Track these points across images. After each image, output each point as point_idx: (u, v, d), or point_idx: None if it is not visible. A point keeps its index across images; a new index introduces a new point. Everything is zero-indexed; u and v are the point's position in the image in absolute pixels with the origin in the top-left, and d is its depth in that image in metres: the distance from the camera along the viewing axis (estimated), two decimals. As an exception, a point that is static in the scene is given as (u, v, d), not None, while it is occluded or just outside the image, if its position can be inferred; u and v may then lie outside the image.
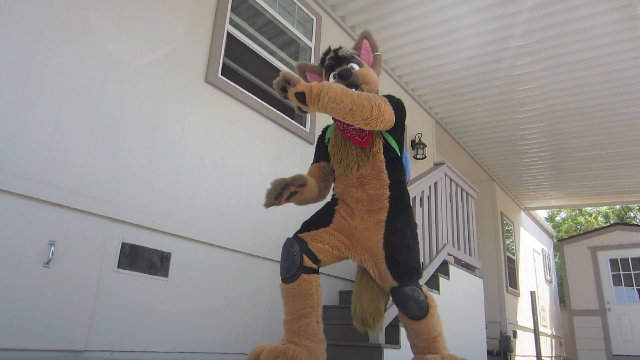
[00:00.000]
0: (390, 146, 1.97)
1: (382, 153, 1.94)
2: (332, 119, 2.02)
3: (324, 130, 2.20)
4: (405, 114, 1.97)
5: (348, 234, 1.93)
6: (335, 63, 1.99)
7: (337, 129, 2.03)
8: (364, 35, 2.15)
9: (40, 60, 2.51)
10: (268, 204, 1.80)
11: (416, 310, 1.79)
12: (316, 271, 1.88)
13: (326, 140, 2.12)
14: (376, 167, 1.92)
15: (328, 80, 2.03)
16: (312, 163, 2.16)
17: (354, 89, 1.84)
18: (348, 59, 1.99)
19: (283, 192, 1.79)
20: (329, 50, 2.07)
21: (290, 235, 1.95)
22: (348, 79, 1.85)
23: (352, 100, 1.67)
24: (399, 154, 2.00)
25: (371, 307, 1.86)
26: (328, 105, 1.63)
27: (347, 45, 2.21)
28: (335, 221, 1.93)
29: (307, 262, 1.82)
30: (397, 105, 1.92)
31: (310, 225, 1.94)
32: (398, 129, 1.96)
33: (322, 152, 2.14)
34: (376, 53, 2.13)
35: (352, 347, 3.04)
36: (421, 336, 1.84)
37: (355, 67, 1.98)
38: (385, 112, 1.78)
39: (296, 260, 1.79)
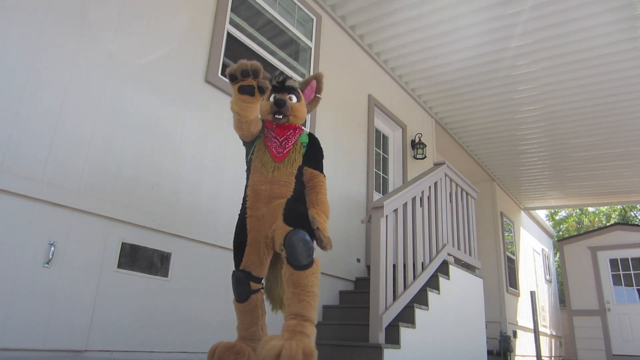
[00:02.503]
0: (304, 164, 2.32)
1: (295, 168, 2.26)
2: (263, 121, 2.34)
3: (263, 122, 2.39)
4: (321, 148, 2.40)
5: (259, 228, 2.21)
6: (280, 88, 2.32)
7: (262, 130, 2.32)
8: (315, 77, 2.50)
9: (40, 61, 2.52)
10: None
11: (304, 253, 1.97)
12: (260, 289, 2.27)
13: (260, 134, 2.37)
14: (290, 176, 2.24)
15: (269, 96, 2.34)
16: None
17: (282, 117, 2.27)
18: (290, 90, 2.33)
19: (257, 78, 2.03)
20: (280, 74, 2.36)
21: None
22: (281, 108, 2.24)
23: (327, 211, 2.24)
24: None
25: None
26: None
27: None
28: (249, 230, 2.23)
29: (254, 285, 2.22)
30: (320, 150, 2.39)
31: (240, 250, 2.24)
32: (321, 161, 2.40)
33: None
34: (317, 95, 2.50)
35: (352, 347, 3.05)
36: (297, 289, 1.96)
37: (294, 98, 2.34)
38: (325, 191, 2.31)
39: (246, 289, 2.19)
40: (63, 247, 2.45)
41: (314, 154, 2.36)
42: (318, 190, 2.27)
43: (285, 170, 2.23)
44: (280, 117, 2.28)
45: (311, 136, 2.42)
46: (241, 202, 2.35)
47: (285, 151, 2.26)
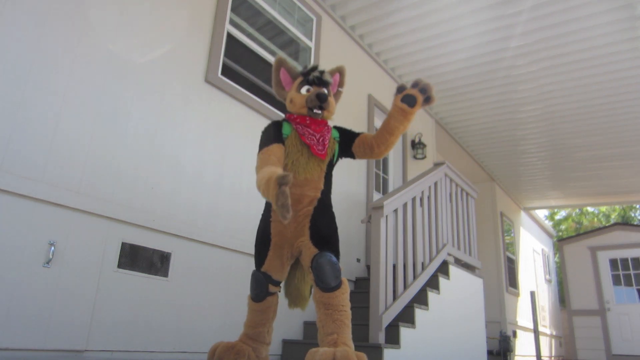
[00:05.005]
0: (332, 160, 2.35)
1: (327, 164, 2.28)
2: (288, 118, 2.29)
3: (280, 123, 2.30)
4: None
5: (284, 234, 2.19)
6: (317, 82, 2.26)
7: (295, 132, 2.26)
8: (339, 70, 2.46)
9: (41, 61, 2.51)
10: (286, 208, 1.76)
11: (332, 276, 1.99)
12: (277, 292, 2.30)
13: (284, 136, 2.27)
14: (321, 173, 2.25)
15: (300, 87, 2.30)
16: (273, 142, 2.19)
17: (320, 112, 2.24)
18: (326, 84, 2.28)
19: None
20: (316, 67, 2.30)
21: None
22: (323, 103, 2.20)
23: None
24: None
25: (306, 290, 2.33)
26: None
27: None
28: (273, 235, 2.20)
29: (272, 288, 2.24)
30: None
31: (262, 253, 2.23)
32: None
33: (280, 137, 2.26)
34: (340, 89, 2.47)
35: (352, 347, 3.04)
36: (329, 309, 1.98)
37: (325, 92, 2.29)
38: None
39: (264, 289, 2.22)
40: (63, 247, 2.45)
41: (350, 130, 2.44)
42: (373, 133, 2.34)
43: (318, 168, 2.21)
44: (320, 112, 2.23)
45: (338, 127, 2.46)
46: (264, 202, 2.28)
47: (325, 148, 2.24)
